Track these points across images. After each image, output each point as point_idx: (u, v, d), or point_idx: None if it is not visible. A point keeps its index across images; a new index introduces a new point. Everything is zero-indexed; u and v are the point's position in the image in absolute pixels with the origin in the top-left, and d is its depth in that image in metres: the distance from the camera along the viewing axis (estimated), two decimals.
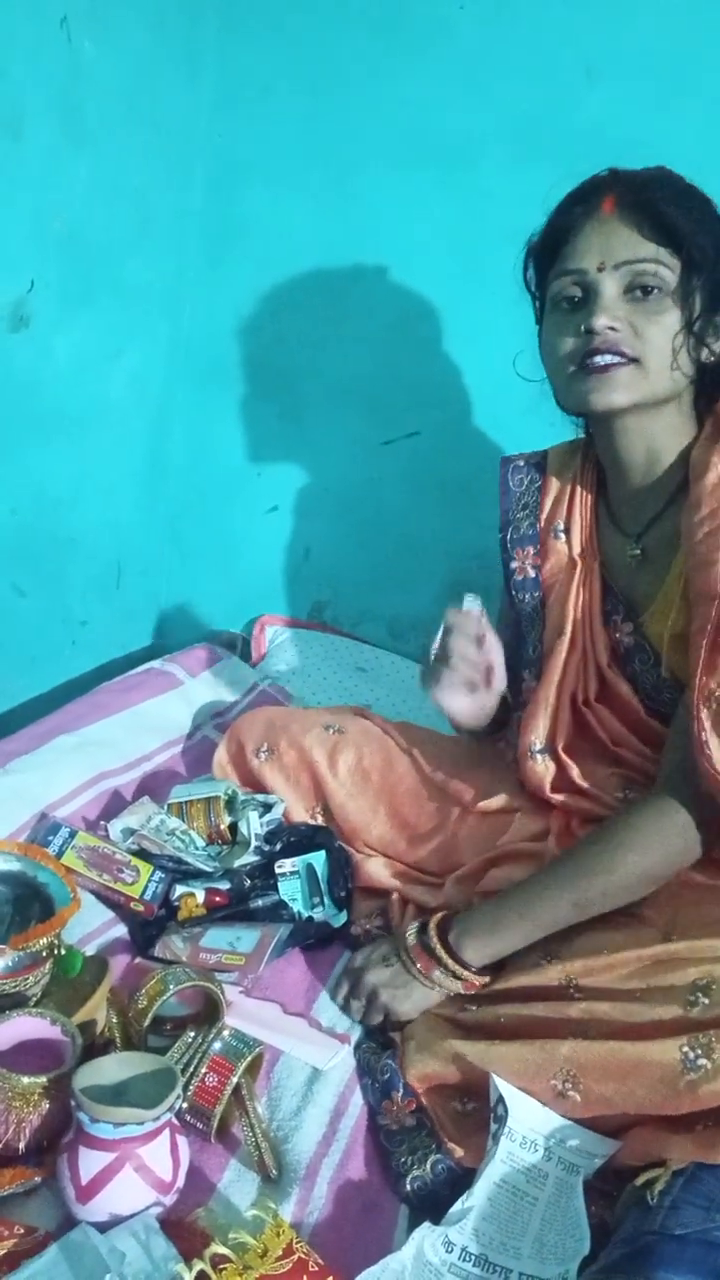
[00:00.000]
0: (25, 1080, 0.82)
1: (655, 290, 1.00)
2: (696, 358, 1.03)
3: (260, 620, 1.93)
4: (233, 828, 1.30)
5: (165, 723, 1.57)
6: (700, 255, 0.99)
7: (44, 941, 0.95)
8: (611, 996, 0.91)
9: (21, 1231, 0.76)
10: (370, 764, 1.29)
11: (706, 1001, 0.85)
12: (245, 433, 1.88)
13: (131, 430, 1.79)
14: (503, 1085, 0.89)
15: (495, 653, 1.11)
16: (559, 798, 1.14)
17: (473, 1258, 0.80)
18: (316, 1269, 0.74)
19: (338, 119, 1.67)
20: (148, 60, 1.57)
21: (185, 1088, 0.88)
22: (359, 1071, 1.00)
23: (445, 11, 1.56)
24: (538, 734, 1.15)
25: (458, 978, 1.01)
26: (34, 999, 0.95)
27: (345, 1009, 1.07)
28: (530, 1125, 0.88)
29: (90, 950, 1.09)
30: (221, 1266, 0.73)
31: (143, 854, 1.23)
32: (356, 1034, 1.04)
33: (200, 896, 1.18)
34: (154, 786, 1.41)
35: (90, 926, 1.13)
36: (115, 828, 1.26)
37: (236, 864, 1.24)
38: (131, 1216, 0.77)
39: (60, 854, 1.16)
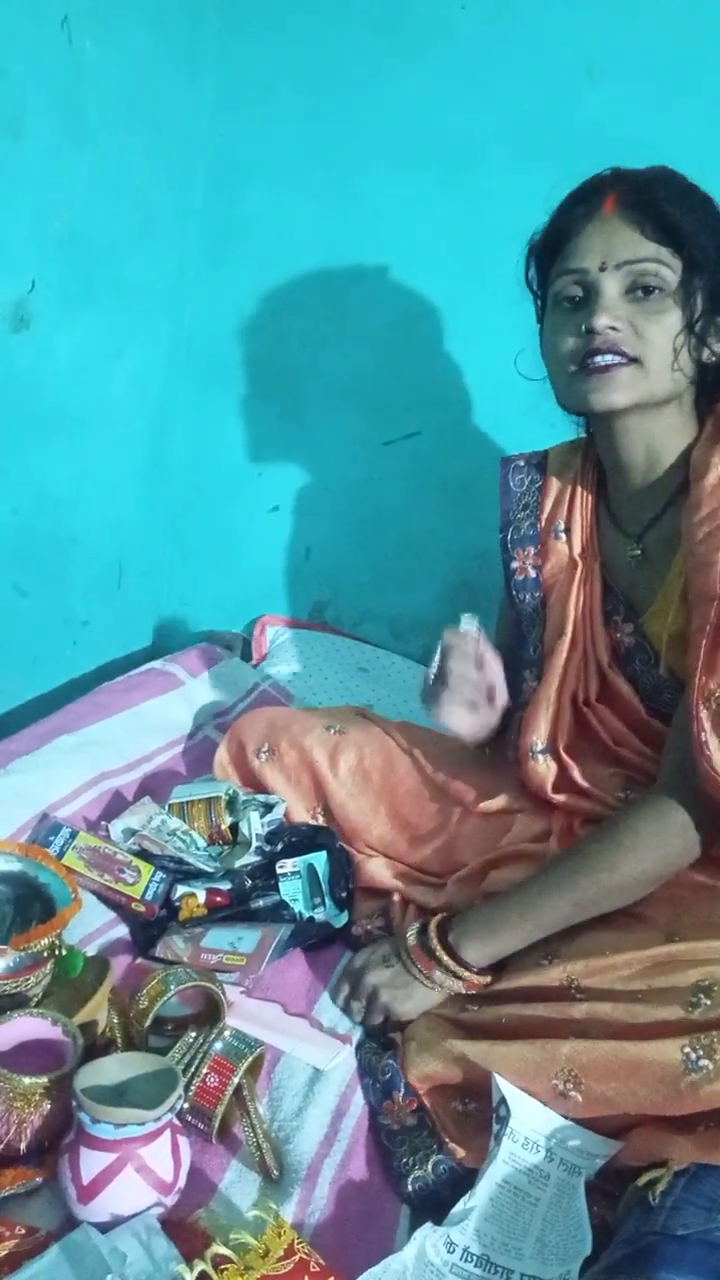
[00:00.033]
0: (26, 1081, 0.82)
1: (656, 290, 1.00)
2: (697, 358, 1.03)
3: (261, 620, 1.93)
4: (234, 828, 1.30)
5: (166, 723, 1.57)
6: (702, 255, 0.99)
7: (45, 942, 0.95)
8: (613, 997, 0.91)
9: (23, 1232, 0.76)
10: (371, 764, 1.29)
11: (708, 1003, 0.85)
12: (246, 433, 1.88)
13: (133, 430, 1.79)
14: (505, 1086, 0.89)
15: (496, 672, 1.11)
16: (560, 798, 1.14)
17: (474, 1258, 0.80)
18: (318, 1269, 0.74)
19: (339, 119, 1.67)
20: (149, 60, 1.57)
21: (186, 1088, 0.88)
22: (360, 1072, 1.00)
23: (446, 11, 1.56)
24: (539, 734, 1.15)
25: (458, 978, 1.01)
26: (35, 999, 0.95)
27: (346, 1010, 1.07)
28: (532, 1126, 0.88)
29: (91, 951, 1.09)
30: (223, 1267, 0.73)
31: (144, 854, 1.23)
32: (358, 1034, 1.04)
33: (201, 897, 1.18)
34: (155, 787, 1.41)
35: (91, 927, 1.13)
36: (116, 828, 1.26)
37: (237, 864, 1.24)
38: (133, 1217, 0.77)
39: (61, 854, 1.16)
